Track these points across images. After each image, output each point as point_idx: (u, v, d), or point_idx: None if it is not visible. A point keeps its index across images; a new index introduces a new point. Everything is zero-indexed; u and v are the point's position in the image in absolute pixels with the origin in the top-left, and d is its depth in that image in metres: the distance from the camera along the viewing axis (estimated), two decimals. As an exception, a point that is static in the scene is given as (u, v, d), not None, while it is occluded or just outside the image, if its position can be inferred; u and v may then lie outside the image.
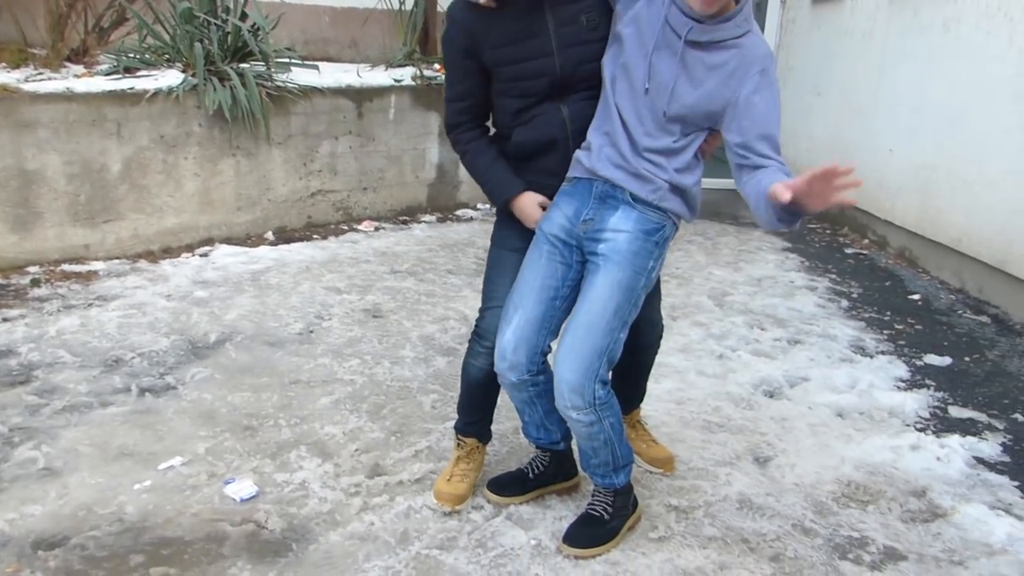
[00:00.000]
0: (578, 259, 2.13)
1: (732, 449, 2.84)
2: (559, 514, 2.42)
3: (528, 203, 2.21)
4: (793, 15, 7.46)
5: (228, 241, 4.97)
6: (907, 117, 5.39)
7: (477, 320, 2.32)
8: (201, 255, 4.74)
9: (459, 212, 6.21)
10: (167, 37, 5.09)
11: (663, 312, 4.06)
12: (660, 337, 2.59)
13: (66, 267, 4.35)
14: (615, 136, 2.05)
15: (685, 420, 3.03)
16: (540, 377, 2.17)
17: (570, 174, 2.16)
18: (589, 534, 2.24)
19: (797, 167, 7.36)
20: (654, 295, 2.41)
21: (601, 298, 2.03)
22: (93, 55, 5.08)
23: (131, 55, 4.93)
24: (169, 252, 4.74)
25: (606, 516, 2.26)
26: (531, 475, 2.48)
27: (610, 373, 2.11)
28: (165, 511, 2.36)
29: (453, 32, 2.12)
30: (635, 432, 2.72)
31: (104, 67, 4.82)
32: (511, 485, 2.48)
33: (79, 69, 4.81)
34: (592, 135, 2.11)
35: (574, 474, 2.54)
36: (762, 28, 7.64)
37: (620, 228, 2.06)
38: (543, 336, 2.13)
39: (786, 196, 1.71)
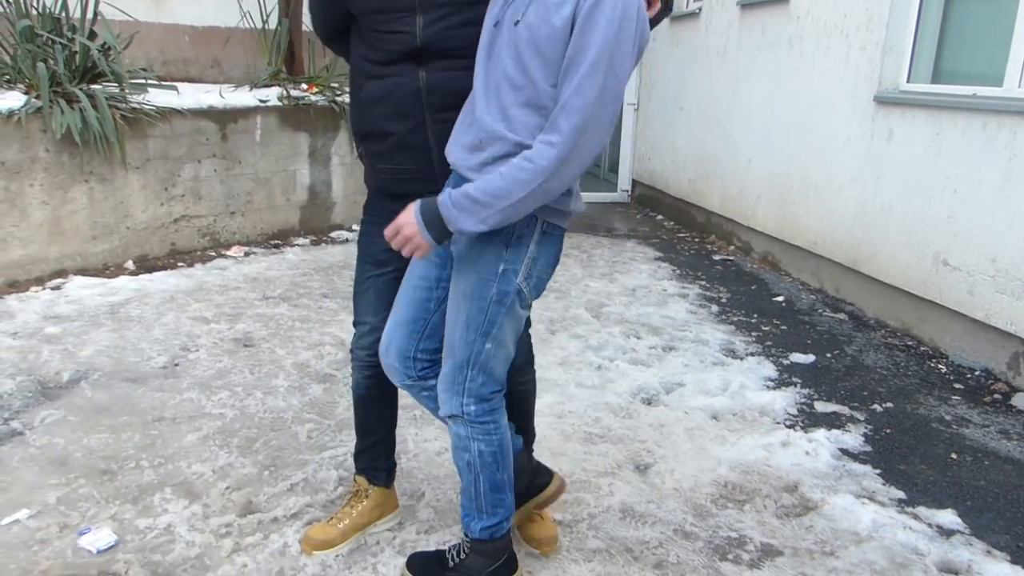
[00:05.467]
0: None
1: (613, 459, 2.87)
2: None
3: None
4: (653, 33, 7.74)
5: (83, 272, 4.64)
6: (761, 128, 5.68)
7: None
8: (52, 288, 4.40)
9: (333, 234, 6.06)
10: (7, 58, 4.74)
11: (543, 327, 4.13)
12: (531, 380, 2.37)
13: None
14: (467, 109, 1.87)
15: (566, 433, 3.04)
16: (431, 381, 1.99)
17: None
18: (423, 569, 2.11)
19: (664, 177, 7.65)
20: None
21: (453, 307, 1.89)
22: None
23: (-37, 76, 4.55)
24: (15, 286, 4.38)
25: (450, 564, 2.07)
26: (451, 563, 2.10)
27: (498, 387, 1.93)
28: (9, 571, 2.15)
29: None
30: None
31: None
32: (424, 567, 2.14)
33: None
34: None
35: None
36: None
37: None
38: (415, 341, 1.96)
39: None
